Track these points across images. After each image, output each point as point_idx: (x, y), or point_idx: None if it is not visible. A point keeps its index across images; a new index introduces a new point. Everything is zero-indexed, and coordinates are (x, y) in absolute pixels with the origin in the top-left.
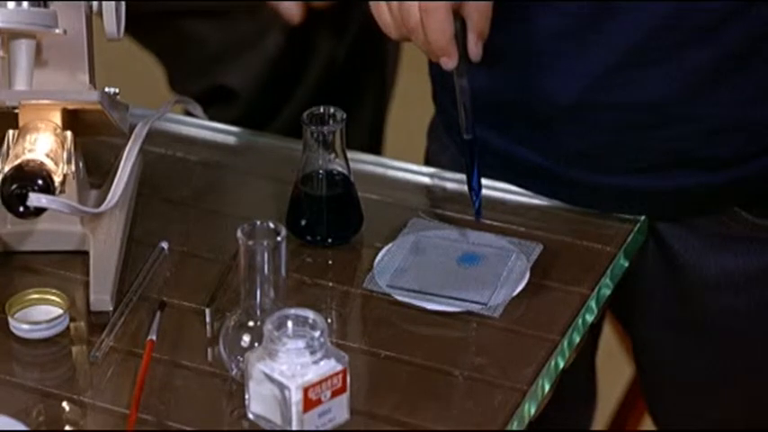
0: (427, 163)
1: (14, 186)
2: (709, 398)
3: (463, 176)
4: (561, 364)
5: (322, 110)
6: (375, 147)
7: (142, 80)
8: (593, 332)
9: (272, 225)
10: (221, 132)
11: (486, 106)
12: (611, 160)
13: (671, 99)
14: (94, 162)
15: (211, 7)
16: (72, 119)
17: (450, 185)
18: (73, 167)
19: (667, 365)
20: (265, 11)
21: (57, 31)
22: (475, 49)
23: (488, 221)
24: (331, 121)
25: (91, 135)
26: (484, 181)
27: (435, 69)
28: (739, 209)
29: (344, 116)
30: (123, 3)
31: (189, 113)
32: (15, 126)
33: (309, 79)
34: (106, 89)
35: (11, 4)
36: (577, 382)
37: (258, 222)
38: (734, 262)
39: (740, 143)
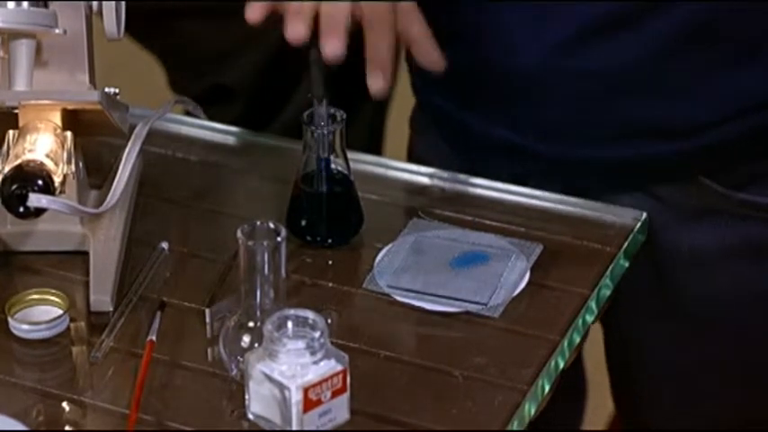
0: (410, 153)
1: (14, 187)
2: (694, 389)
3: (463, 177)
4: (561, 365)
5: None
6: (375, 147)
7: (142, 80)
8: None
9: (272, 225)
10: (221, 132)
11: (455, 80)
12: (572, 131)
13: (630, 68)
14: (94, 162)
15: (211, 7)
16: (72, 119)
17: (449, 186)
18: (73, 168)
19: (648, 351)
20: None
21: (57, 31)
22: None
23: (488, 221)
24: (331, 122)
25: (91, 135)
26: (481, 181)
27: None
28: (704, 178)
29: (344, 116)
30: (123, 3)
31: (189, 114)
32: (15, 126)
33: (308, 79)
34: (106, 89)
35: (11, 4)
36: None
37: (258, 222)
38: (705, 237)
39: (700, 111)
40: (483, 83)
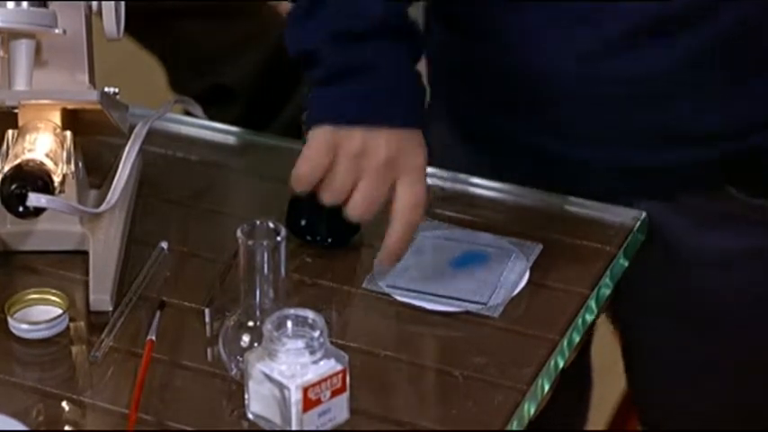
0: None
1: (14, 186)
2: (695, 389)
3: (463, 176)
4: (561, 364)
5: None
6: None
7: (142, 80)
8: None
9: (271, 225)
10: (221, 132)
11: (482, 80)
12: (598, 136)
13: (659, 76)
14: (94, 162)
15: (211, 7)
16: (71, 119)
17: (449, 185)
18: (72, 167)
19: (655, 352)
20: (265, 11)
21: (56, 30)
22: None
23: (488, 221)
24: None
25: (90, 135)
26: (481, 180)
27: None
28: (730, 186)
29: None
30: (123, 3)
31: (188, 113)
32: (15, 126)
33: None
34: (106, 89)
35: (10, 4)
36: (570, 377)
37: (258, 222)
38: (724, 241)
39: (728, 120)
40: (510, 85)
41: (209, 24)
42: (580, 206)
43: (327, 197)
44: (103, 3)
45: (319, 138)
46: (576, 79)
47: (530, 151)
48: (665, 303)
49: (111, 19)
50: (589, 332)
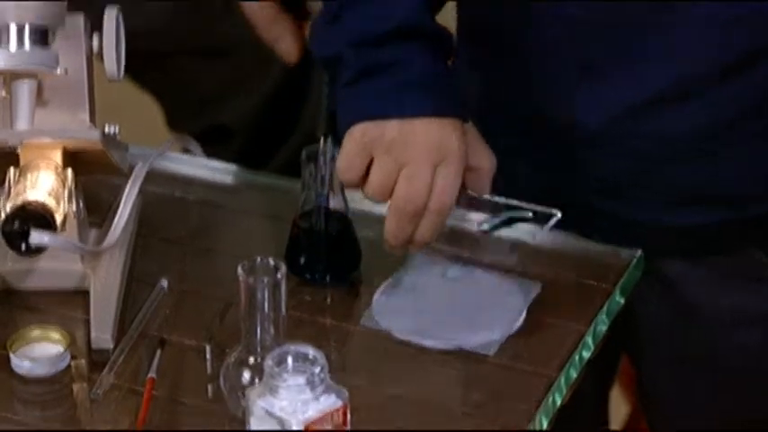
0: None
1: (17, 224)
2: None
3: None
4: (559, 401)
5: (320, 148)
6: None
7: (139, 119)
8: (609, 366)
9: (272, 262)
10: (219, 171)
11: (510, 124)
12: (622, 191)
13: (687, 136)
14: (92, 201)
15: (208, 47)
16: (72, 158)
17: (448, 222)
18: (74, 206)
19: (671, 403)
20: (262, 50)
21: (58, 71)
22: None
23: (486, 258)
24: (330, 160)
25: (90, 174)
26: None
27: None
28: (754, 248)
29: None
30: (123, 43)
31: (187, 151)
32: (17, 164)
33: (306, 117)
34: (106, 128)
35: (13, 45)
36: (586, 416)
37: (258, 259)
38: (744, 300)
39: (755, 182)
40: (537, 134)
41: (207, 64)
42: (577, 243)
43: (371, 193)
44: (105, 43)
45: (354, 137)
46: (603, 134)
47: (544, 194)
48: (683, 357)
49: (113, 59)
50: (609, 369)
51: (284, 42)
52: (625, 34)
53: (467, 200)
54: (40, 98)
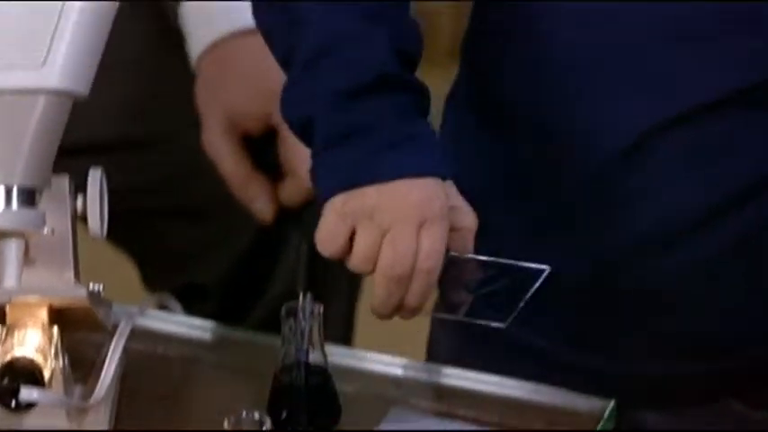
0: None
1: (6, 381)
2: None
3: (434, 366)
4: None
5: (300, 304)
6: (347, 338)
7: (113, 275)
8: None
9: (257, 416)
10: (197, 329)
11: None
12: (603, 343)
13: (672, 285)
14: (74, 358)
15: (182, 207)
16: (56, 315)
17: (424, 376)
18: (60, 363)
19: None
20: (236, 209)
21: (45, 230)
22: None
23: (462, 412)
24: (310, 315)
25: (74, 331)
26: (453, 371)
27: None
28: (730, 398)
29: (321, 309)
30: (107, 203)
31: (164, 308)
32: (2, 321)
33: (282, 273)
34: (91, 286)
35: (1, 205)
36: None
37: (244, 413)
38: None
39: (744, 329)
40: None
41: (181, 224)
42: (552, 395)
43: (357, 264)
44: (89, 204)
45: (335, 207)
46: (588, 284)
47: (528, 351)
48: None
49: (97, 220)
50: None
51: (259, 202)
52: None
53: (450, 260)
54: (26, 257)
